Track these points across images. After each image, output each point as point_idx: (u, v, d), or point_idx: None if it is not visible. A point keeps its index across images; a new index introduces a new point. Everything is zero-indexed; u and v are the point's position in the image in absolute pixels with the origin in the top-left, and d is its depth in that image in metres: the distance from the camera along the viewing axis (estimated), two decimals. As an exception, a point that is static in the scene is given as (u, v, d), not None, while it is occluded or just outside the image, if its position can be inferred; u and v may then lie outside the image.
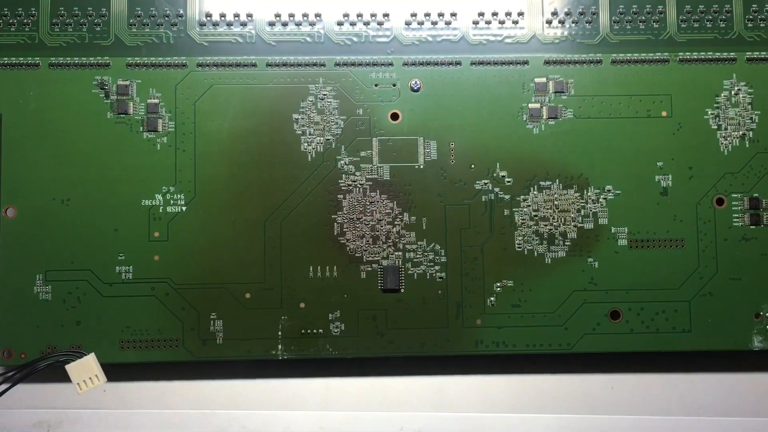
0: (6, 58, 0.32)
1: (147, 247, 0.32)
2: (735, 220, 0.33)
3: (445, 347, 0.32)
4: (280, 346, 0.32)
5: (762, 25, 0.34)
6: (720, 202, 0.33)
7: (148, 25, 0.33)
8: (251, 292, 0.32)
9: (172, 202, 0.32)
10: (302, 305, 0.32)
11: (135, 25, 0.33)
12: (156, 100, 0.32)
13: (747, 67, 0.33)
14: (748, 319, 0.33)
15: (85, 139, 0.32)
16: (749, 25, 0.34)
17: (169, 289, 0.32)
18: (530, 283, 0.33)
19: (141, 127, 0.32)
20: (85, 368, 0.30)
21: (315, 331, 0.32)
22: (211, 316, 0.32)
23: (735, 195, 0.33)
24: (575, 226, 0.33)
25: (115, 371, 0.31)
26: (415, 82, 0.33)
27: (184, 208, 0.32)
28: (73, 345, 0.31)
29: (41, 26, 0.32)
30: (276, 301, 0.32)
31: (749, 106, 0.33)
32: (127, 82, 0.32)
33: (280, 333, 0.32)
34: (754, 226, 0.33)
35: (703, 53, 0.33)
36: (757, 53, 0.33)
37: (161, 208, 0.32)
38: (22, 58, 0.32)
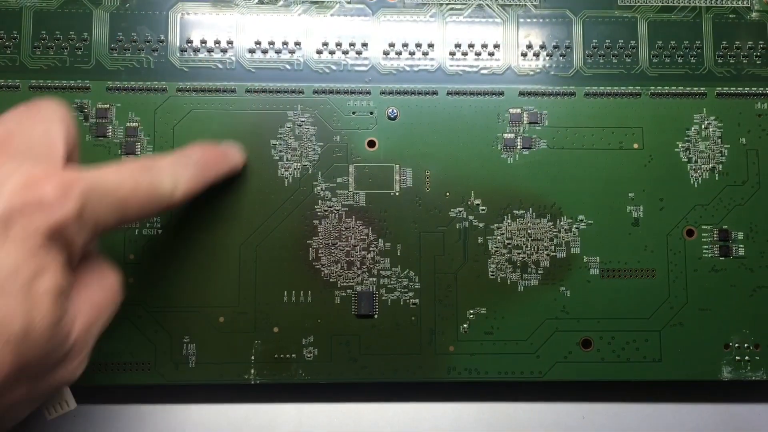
0: (-14, 80, 0.32)
1: (121, 270, 0.32)
2: (705, 251, 0.34)
3: (418, 373, 0.32)
4: (253, 371, 0.32)
5: (732, 61, 0.35)
6: (690, 233, 0.34)
7: (129, 50, 0.33)
8: (225, 315, 0.32)
9: (147, 225, 0.32)
10: (276, 329, 0.32)
11: (116, 49, 0.33)
12: (135, 124, 0.33)
13: (717, 102, 0.34)
14: (717, 349, 0.33)
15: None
16: (719, 61, 0.35)
17: (143, 312, 0.32)
18: (503, 311, 0.33)
19: (119, 150, 0.32)
20: (55, 394, 0.30)
21: (288, 355, 0.32)
22: (184, 340, 0.32)
23: (705, 227, 0.34)
24: (548, 255, 0.33)
25: (85, 394, 0.31)
26: (392, 110, 0.33)
27: (159, 231, 0.32)
28: (44, 367, 0.31)
29: (23, 49, 0.33)
30: (250, 325, 0.32)
31: (719, 140, 0.34)
32: (107, 106, 0.33)
33: (253, 357, 0.32)
34: (723, 258, 0.33)
35: (674, 88, 0.34)
36: (727, 88, 0.34)
37: (137, 230, 0.32)
38: (2, 80, 0.32)
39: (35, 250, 0.21)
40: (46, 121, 0.24)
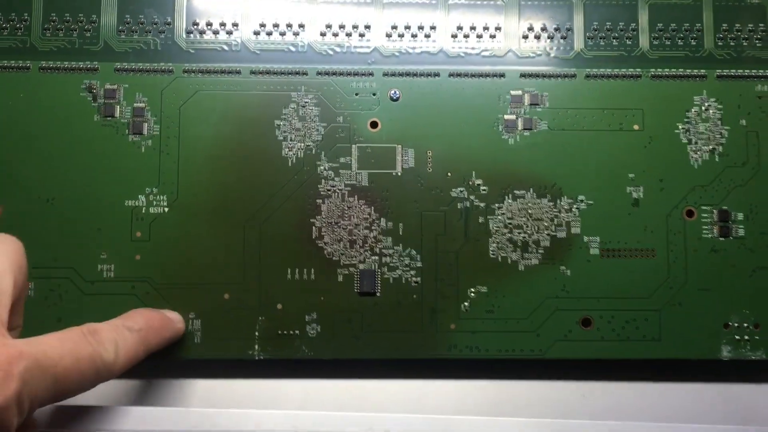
0: (-3, 61, 0.33)
1: (129, 247, 0.33)
2: (705, 231, 0.34)
3: (419, 351, 0.33)
4: (256, 347, 0.32)
5: (732, 43, 0.35)
6: (690, 214, 0.34)
7: (136, 32, 0.34)
8: (230, 292, 0.33)
9: (154, 203, 0.33)
10: (279, 306, 0.33)
11: (124, 31, 0.34)
12: (142, 105, 0.33)
13: (717, 84, 0.35)
14: (717, 329, 0.33)
15: (71, 140, 0.33)
16: (719, 43, 0.35)
17: (150, 289, 0.32)
18: (504, 290, 0.33)
19: (127, 130, 0.33)
20: None
21: (291, 332, 0.33)
22: (190, 316, 0.32)
23: (705, 207, 0.34)
24: (548, 235, 0.34)
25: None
26: (395, 92, 0.34)
27: (166, 209, 0.33)
28: (52, 341, 0.32)
29: (33, 31, 0.34)
30: (254, 302, 0.33)
31: (719, 122, 0.34)
32: (115, 86, 0.33)
33: (257, 333, 0.33)
34: (723, 238, 0.34)
35: (675, 70, 0.35)
36: (727, 71, 0.35)
37: (144, 209, 0.33)
38: (13, 62, 0.33)
39: None
40: None
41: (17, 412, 0.21)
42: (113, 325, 0.27)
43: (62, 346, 0.24)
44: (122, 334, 0.27)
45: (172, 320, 0.31)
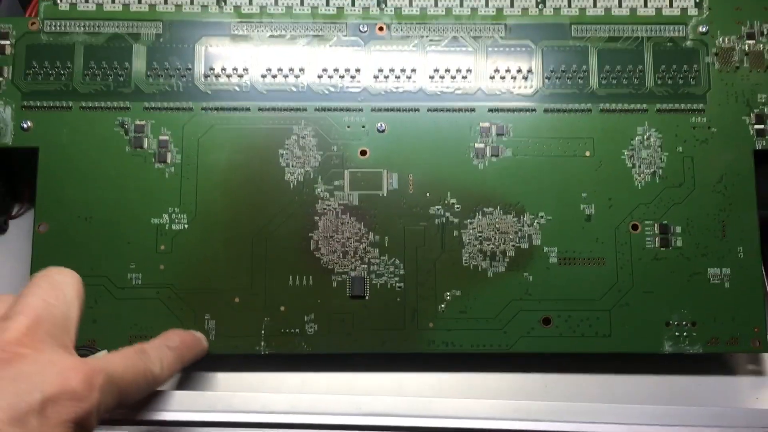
0: (45, 102, 0.39)
1: (154, 258, 0.38)
2: (648, 242, 0.39)
3: (402, 346, 0.38)
4: (263, 343, 0.38)
5: (669, 82, 0.41)
6: (635, 227, 0.39)
7: (162, 76, 0.40)
8: (240, 296, 0.38)
9: (176, 221, 0.39)
10: (282, 308, 0.38)
11: (152, 76, 0.40)
12: (166, 137, 0.39)
13: (657, 116, 0.40)
14: (659, 326, 0.39)
15: (106, 168, 0.39)
16: (659, 82, 0.41)
17: (172, 294, 0.38)
18: (475, 293, 0.39)
19: (153, 159, 0.39)
20: None
21: (293, 330, 0.38)
22: (206, 317, 0.38)
23: (648, 222, 0.39)
24: (513, 246, 0.39)
25: (123, 361, 0.37)
26: (381, 124, 0.40)
27: (186, 226, 0.38)
28: (89, 339, 0.37)
29: (75, 76, 0.40)
30: (260, 304, 0.38)
31: (659, 149, 0.40)
32: (144, 122, 0.39)
33: (263, 332, 0.38)
34: (664, 248, 0.39)
35: (620, 105, 0.40)
36: (666, 105, 0.40)
37: (167, 225, 0.38)
38: (58, 102, 0.39)
39: None
40: (66, 303, 0.27)
41: (96, 418, 0.25)
42: (156, 344, 0.32)
43: (124, 363, 0.28)
44: (164, 351, 0.32)
45: (200, 339, 0.36)
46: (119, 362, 0.28)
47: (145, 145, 0.39)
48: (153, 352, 0.31)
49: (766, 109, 0.40)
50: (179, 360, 0.33)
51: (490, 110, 0.40)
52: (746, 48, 0.41)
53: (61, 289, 0.27)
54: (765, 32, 0.41)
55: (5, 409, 0.22)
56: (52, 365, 0.24)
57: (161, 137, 0.39)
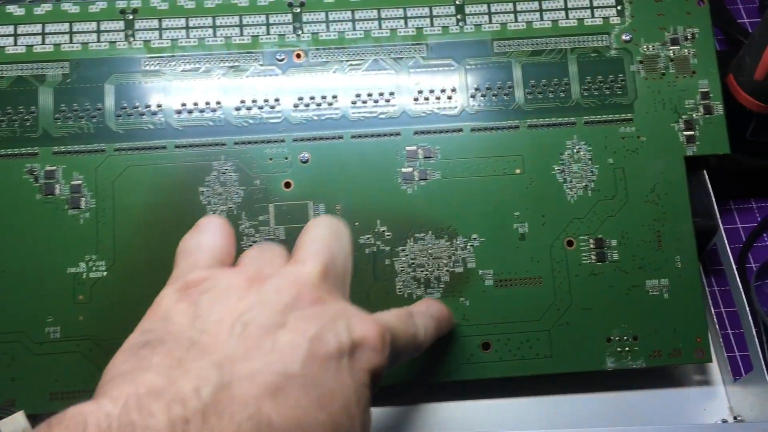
0: (-53, 153, 0.37)
1: (72, 309, 0.36)
2: (584, 258, 0.38)
3: (338, 383, 0.37)
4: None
5: (596, 93, 0.40)
6: (570, 243, 0.39)
7: (71, 118, 0.38)
8: (165, 343, 0.36)
9: (94, 268, 0.37)
10: (211, 353, 0.37)
11: (60, 118, 0.38)
12: (79, 182, 0.37)
13: (585, 129, 0.40)
14: (601, 343, 0.38)
15: (17, 218, 0.37)
16: (585, 93, 0.40)
17: (92, 345, 0.36)
18: (411, 323, 0.37)
19: (66, 205, 0.37)
20: (15, 424, 0.34)
21: (223, 375, 0.37)
22: (131, 367, 0.36)
23: (582, 237, 0.39)
24: (448, 271, 0.38)
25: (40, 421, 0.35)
26: (304, 155, 0.39)
27: (104, 273, 0.37)
28: (8, 399, 0.35)
29: (-22, 124, 0.38)
30: (188, 350, 0.37)
31: (589, 162, 0.39)
32: (54, 168, 0.37)
33: (192, 379, 0.36)
34: (600, 263, 0.38)
35: (548, 119, 0.40)
36: (593, 117, 0.40)
37: (84, 274, 0.37)
38: (-39, 152, 0.37)
39: (368, 384, 0.24)
40: (346, 255, 0.28)
41: (383, 373, 0.25)
42: (421, 310, 0.32)
43: (400, 325, 0.28)
44: (428, 319, 0.32)
45: (452, 315, 0.36)
46: (396, 323, 0.28)
47: (57, 192, 0.37)
48: (419, 318, 0.31)
49: (694, 115, 0.40)
50: (438, 330, 0.33)
51: (416, 133, 0.39)
52: (671, 54, 0.41)
53: (343, 239, 0.28)
54: (689, 37, 0.41)
55: (323, 342, 0.23)
56: (353, 314, 0.25)
57: (73, 182, 0.37)
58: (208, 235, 0.29)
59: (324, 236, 0.28)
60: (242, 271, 0.27)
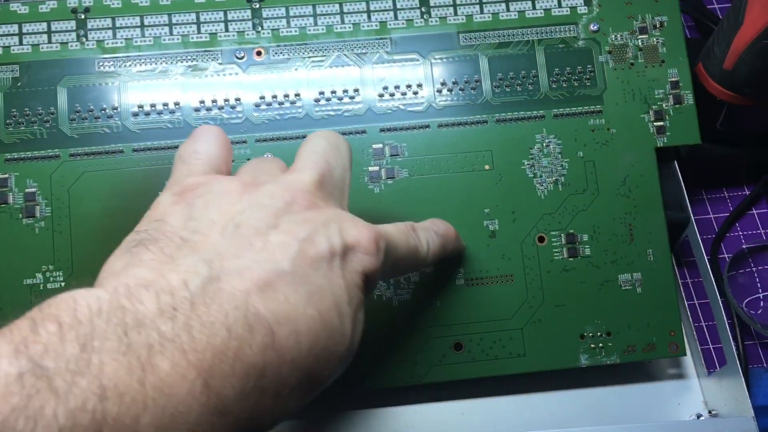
0: None
1: (30, 322, 0.35)
2: (555, 254, 0.38)
3: (308, 389, 0.36)
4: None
5: (564, 85, 0.39)
6: (541, 239, 0.38)
7: (23, 123, 0.37)
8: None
9: (51, 279, 0.36)
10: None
11: (11, 124, 0.37)
12: (33, 189, 0.36)
13: (554, 122, 0.39)
14: (574, 340, 0.37)
15: (-32, 229, 0.35)
16: (553, 86, 0.39)
17: (52, 359, 0.35)
18: (380, 325, 0.37)
19: (20, 215, 0.36)
20: None
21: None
22: (93, 380, 0.35)
23: (554, 233, 0.38)
24: (417, 271, 0.37)
25: None
26: (268, 155, 0.37)
27: (62, 284, 0.36)
28: (-36, 418, 0.34)
29: (-75, 132, 0.36)
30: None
31: (559, 155, 0.39)
32: (6, 176, 0.36)
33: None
34: (572, 258, 0.38)
35: (516, 113, 0.39)
36: (562, 110, 0.39)
37: (42, 285, 0.35)
38: None
39: (360, 285, 0.25)
40: (343, 167, 0.29)
41: (377, 279, 0.26)
42: (425, 226, 0.32)
43: (399, 237, 0.28)
44: (431, 235, 0.32)
45: (459, 236, 0.36)
46: (395, 233, 0.28)
47: (10, 200, 0.36)
48: (422, 232, 0.31)
49: (664, 105, 0.39)
50: (443, 247, 0.33)
51: (382, 130, 0.38)
52: (639, 43, 0.40)
53: (341, 152, 0.29)
54: (657, 25, 0.40)
55: (314, 243, 0.24)
56: (346, 219, 0.25)
57: (27, 190, 0.36)
58: (204, 143, 0.29)
59: (322, 147, 0.28)
60: (238, 178, 0.27)
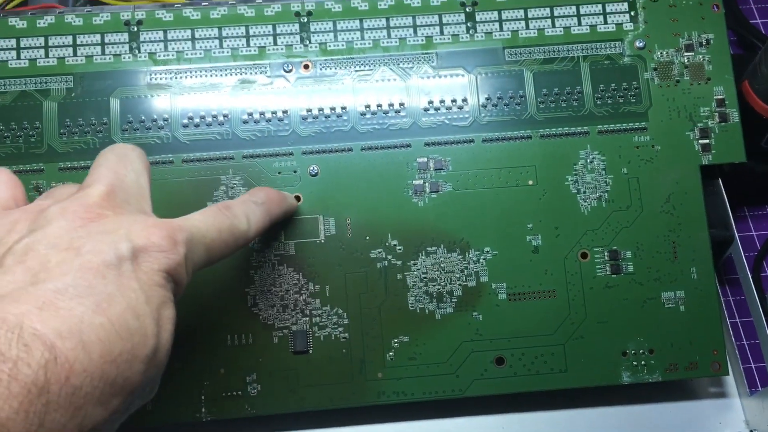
0: (-49, 170, 0.37)
1: (81, 328, 0.36)
2: (598, 270, 0.38)
3: (351, 400, 0.36)
4: (203, 410, 0.36)
5: (609, 101, 0.39)
6: (584, 255, 0.38)
7: (76, 133, 0.38)
8: (176, 362, 0.36)
9: (102, 286, 0.36)
10: (222, 371, 0.36)
11: (65, 134, 0.37)
12: (85, 198, 0.37)
13: (599, 139, 0.39)
14: (616, 357, 0.37)
15: (23, 235, 0.36)
16: (598, 102, 0.39)
17: (102, 364, 0.36)
18: (424, 338, 0.37)
19: (73, 223, 0.37)
20: None
21: (234, 393, 0.36)
22: (141, 386, 0.36)
23: (597, 249, 0.38)
24: (460, 285, 0.38)
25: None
26: (313, 168, 0.38)
27: (113, 291, 0.36)
28: None
29: (-18, 140, 0.37)
30: (198, 368, 0.36)
31: (603, 172, 0.39)
32: (59, 184, 0.37)
33: (203, 397, 0.36)
34: (615, 275, 0.38)
35: (560, 129, 0.39)
36: (606, 126, 0.39)
37: (93, 292, 0.36)
38: (-35, 169, 0.37)
39: (161, 283, 0.25)
40: (135, 171, 0.29)
41: (185, 272, 0.26)
42: (242, 200, 0.32)
43: (206, 221, 0.29)
44: (250, 207, 0.32)
45: (288, 196, 0.36)
46: (200, 219, 0.29)
47: (63, 209, 0.37)
48: (238, 208, 0.31)
49: (709, 123, 0.39)
50: (267, 215, 0.33)
51: (427, 144, 0.39)
52: (685, 60, 0.40)
53: (128, 159, 0.29)
54: (703, 43, 0.40)
55: (98, 253, 0.24)
56: (135, 223, 0.26)
57: (80, 199, 0.37)
58: None
59: (108, 159, 0.28)
60: (22, 208, 0.28)
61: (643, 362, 0.37)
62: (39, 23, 0.38)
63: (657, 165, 0.39)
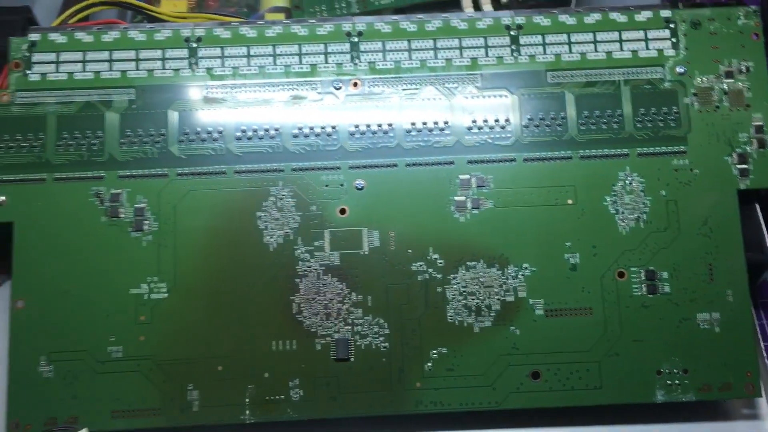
0: (19, 175, 0.39)
1: (134, 329, 0.38)
2: (635, 289, 0.39)
3: (389, 408, 0.37)
4: (247, 411, 0.37)
5: (649, 125, 0.40)
6: (621, 275, 0.39)
7: (136, 143, 0.39)
8: (222, 365, 0.37)
9: (155, 290, 0.38)
10: (266, 375, 0.38)
11: (125, 143, 0.39)
12: (143, 205, 0.39)
13: (638, 161, 0.40)
14: (651, 375, 0.38)
15: (82, 239, 0.38)
16: (638, 125, 0.40)
17: (152, 365, 0.37)
18: (462, 350, 0.38)
19: (129, 228, 0.38)
20: None
21: (278, 397, 0.37)
22: (188, 387, 0.37)
23: (633, 269, 0.39)
24: (499, 300, 0.39)
25: (106, 438, 0.37)
26: (359, 182, 0.39)
27: (165, 295, 0.38)
28: (70, 416, 0.37)
29: (48, 148, 0.39)
30: (244, 372, 0.37)
31: (642, 193, 0.40)
32: (119, 191, 0.39)
33: (247, 400, 0.37)
34: (651, 295, 0.39)
35: (600, 150, 0.40)
36: (646, 149, 0.40)
37: (146, 295, 0.38)
38: (31, 175, 0.39)
39: None
40: None
41: None
42: None
43: None
44: None
45: None
46: None
47: (121, 214, 0.39)
48: None
49: (748, 148, 0.40)
50: None
51: (470, 162, 0.40)
52: (725, 87, 0.41)
53: None
54: (743, 70, 0.41)
55: None
56: None
57: (137, 205, 0.39)
58: None
59: None
60: None
61: (677, 381, 0.38)
62: (104, 38, 0.40)
63: (695, 188, 0.40)
